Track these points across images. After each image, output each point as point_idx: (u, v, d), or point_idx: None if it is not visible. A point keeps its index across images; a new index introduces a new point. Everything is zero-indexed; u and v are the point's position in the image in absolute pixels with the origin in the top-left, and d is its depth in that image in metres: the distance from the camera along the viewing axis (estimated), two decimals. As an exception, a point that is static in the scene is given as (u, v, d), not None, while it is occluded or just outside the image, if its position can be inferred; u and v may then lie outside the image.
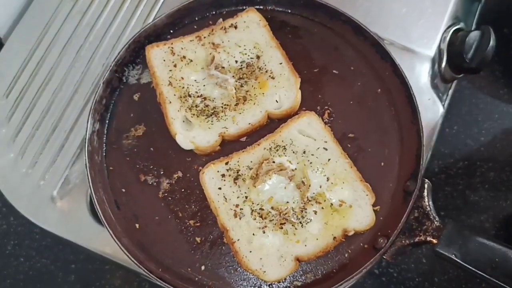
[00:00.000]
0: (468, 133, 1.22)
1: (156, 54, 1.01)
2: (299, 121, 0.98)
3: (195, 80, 1.00)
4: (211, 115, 0.97)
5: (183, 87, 0.99)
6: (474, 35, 1.08)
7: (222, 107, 0.98)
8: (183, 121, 0.98)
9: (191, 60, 1.01)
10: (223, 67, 1.00)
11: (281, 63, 1.01)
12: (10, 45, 1.16)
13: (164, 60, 1.01)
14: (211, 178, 0.94)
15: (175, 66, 1.01)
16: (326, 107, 1.01)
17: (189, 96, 0.99)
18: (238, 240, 0.91)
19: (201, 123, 0.97)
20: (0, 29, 1.21)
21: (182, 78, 1.00)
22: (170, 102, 0.98)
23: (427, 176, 1.01)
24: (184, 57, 1.01)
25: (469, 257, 0.86)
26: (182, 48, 1.02)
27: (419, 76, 1.10)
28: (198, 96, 0.99)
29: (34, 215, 1.03)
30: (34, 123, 1.09)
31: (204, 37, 1.03)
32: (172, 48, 1.02)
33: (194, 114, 0.97)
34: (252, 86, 0.99)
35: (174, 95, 0.99)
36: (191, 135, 0.96)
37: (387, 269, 1.14)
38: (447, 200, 1.18)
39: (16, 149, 1.07)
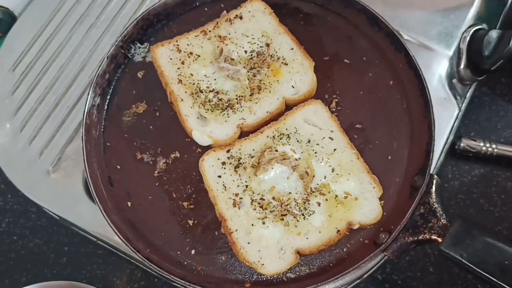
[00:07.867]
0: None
1: (162, 53, 0.98)
2: (305, 109, 0.94)
3: (205, 75, 0.97)
4: (226, 108, 0.94)
5: (194, 83, 0.96)
6: (494, 33, 1.03)
7: (236, 99, 0.94)
8: (198, 118, 0.94)
9: (199, 56, 0.98)
10: (233, 59, 0.97)
11: (292, 49, 0.97)
12: (22, 21, 1.15)
13: (171, 59, 0.98)
14: (211, 165, 0.90)
15: (182, 63, 0.97)
16: (334, 96, 0.97)
17: (201, 91, 0.95)
18: (236, 230, 0.86)
19: (216, 117, 0.93)
20: (16, 6, 1.21)
21: (192, 75, 0.97)
22: (182, 100, 0.95)
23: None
24: (191, 53, 0.98)
25: (476, 258, 0.80)
26: (188, 45, 0.99)
27: (435, 74, 1.05)
28: (210, 91, 0.95)
29: (29, 189, 1.01)
30: (37, 98, 1.07)
31: (209, 31, 1.00)
32: (178, 45, 0.99)
33: (208, 109, 0.94)
34: (266, 74, 0.96)
35: (185, 92, 0.95)
36: (208, 130, 0.93)
37: (391, 276, 1.08)
38: (460, 208, 1.12)
39: (17, 122, 1.06)
